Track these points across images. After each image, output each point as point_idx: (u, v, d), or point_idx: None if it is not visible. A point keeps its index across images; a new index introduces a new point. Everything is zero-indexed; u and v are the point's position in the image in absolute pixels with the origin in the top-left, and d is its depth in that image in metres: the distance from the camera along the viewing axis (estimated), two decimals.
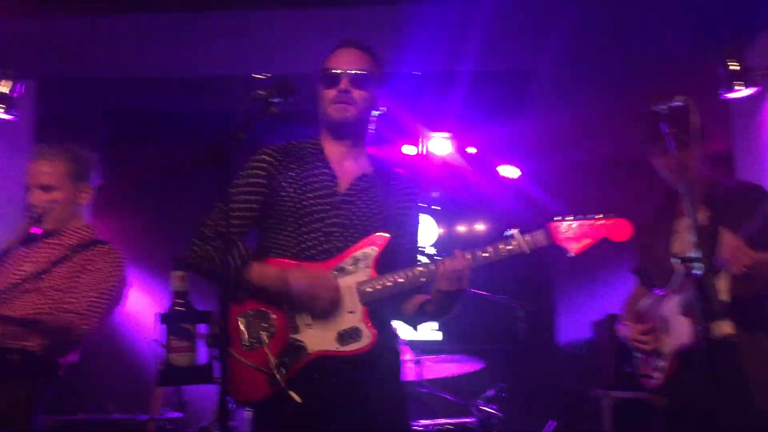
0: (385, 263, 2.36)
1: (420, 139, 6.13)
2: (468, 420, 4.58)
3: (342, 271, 2.34)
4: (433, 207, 6.64)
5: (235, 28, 4.17)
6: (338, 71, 2.44)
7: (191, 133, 5.52)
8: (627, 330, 3.23)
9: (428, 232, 6.63)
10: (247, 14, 4.02)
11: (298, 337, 2.29)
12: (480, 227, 6.68)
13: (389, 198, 2.48)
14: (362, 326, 2.28)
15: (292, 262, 2.36)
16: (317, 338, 2.28)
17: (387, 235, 2.37)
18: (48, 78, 4.97)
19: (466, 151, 6.17)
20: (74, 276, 2.90)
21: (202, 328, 2.14)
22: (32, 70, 4.73)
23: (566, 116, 5.21)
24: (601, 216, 2.36)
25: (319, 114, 2.50)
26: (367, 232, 2.39)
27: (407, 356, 4.76)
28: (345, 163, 2.49)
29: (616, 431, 5.16)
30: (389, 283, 2.31)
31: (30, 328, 2.78)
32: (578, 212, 2.37)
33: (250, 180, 2.45)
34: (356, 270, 2.34)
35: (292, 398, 2.19)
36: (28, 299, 2.85)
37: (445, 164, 6.32)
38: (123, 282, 3.05)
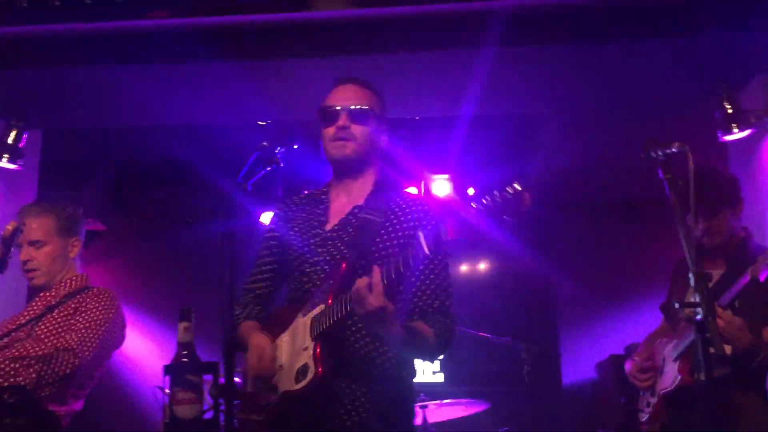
0: (344, 292, 2.18)
1: (421, 182, 6.17)
2: None
3: (309, 308, 2.30)
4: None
5: (238, 75, 4.23)
6: (337, 107, 2.44)
7: (196, 179, 5.56)
8: (629, 365, 3.44)
9: None
10: (249, 63, 4.08)
11: (273, 380, 2.31)
12: (482, 267, 6.68)
13: (381, 224, 2.38)
14: (310, 362, 2.19)
15: (288, 306, 2.45)
16: (283, 379, 2.28)
17: (345, 264, 2.27)
18: (52, 128, 5.05)
19: (466, 192, 6.20)
20: (67, 319, 2.95)
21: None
22: (36, 120, 4.79)
23: (567, 158, 5.26)
24: (508, 189, 2.10)
25: (324, 154, 2.51)
26: (338, 263, 2.32)
27: None
28: (342, 202, 2.49)
29: None
30: (332, 314, 2.18)
31: (20, 362, 2.78)
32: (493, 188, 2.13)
33: (264, 242, 2.58)
34: (317, 304, 2.27)
35: None
36: (23, 345, 2.87)
37: (445, 205, 6.34)
38: (118, 322, 3.07)
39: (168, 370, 2.14)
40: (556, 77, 4.13)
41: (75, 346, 2.86)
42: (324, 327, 2.19)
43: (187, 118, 4.89)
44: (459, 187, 6.13)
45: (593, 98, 4.43)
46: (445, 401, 4.69)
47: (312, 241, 2.42)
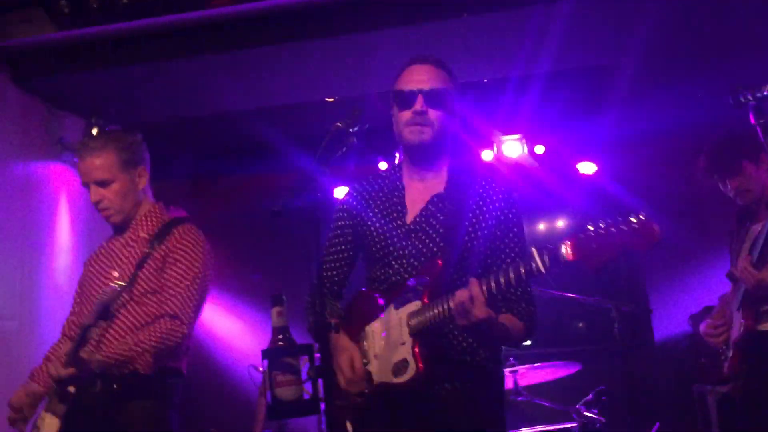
0: (446, 289, 2.20)
1: (494, 144, 6.09)
2: (569, 425, 4.51)
3: (401, 302, 2.30)
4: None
5: (306, 56, 4.25)
6: (413, 91, 2.35)
7: (274, 160, 5.65)
8: (703, 326, 3.57)
9: None
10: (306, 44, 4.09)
11: (368, 367, 2.32)
12: (560, 223, 6.55)
13: (465, 213, 2.34)
14: (410, 358, 2.20)
15: (373, 294, 2.41)
16: (379, 369, 2.28)
17: (440, 261, 2.27)
18: (131, 123, 5.19)
19: (542, 152, 6.09)
20: (159, 272, 2.87)
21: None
22: (115, 116, 4.94)
23: (645, 110, 5.08)
24: (630, 220, 1.94)
25: (396, 136, 2.46)
26: (431, 257, 2.32)
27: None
28: (419, 188, 2.44)
29: (722, 427, 4.98)
30: (430, 313, 2.20)
31: (134, 348, 2.74)
32: (615, 215, 1.99)
33: (336, 231, 2.55)
34: (413, 299, 2.27)
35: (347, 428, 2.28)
36: (126, 315, 2.84)
37: (518, 166, 6.26)
38: (208, 261, 2.97)
39: (265, 354, 2.18)
40: (635, 23, 3.97)
41: (178, 312, 2.81)
42: (422, 325, 2.20)
43: (258, 102, 4.95)
44: (531, 147, 6.02)
45: (674, 45, 4.25)
46: (536, 364, 4.65)
47: (394, 232, 2.39)
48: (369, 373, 2.31)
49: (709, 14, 4.02)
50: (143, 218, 3.00)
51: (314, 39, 4.00)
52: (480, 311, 2.05)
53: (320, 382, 2.10)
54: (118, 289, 2.76)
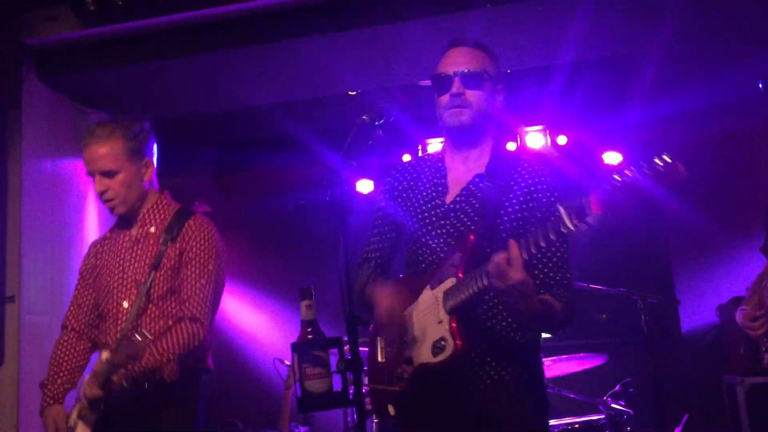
0: (479, 263, 2.16)
1: (517, 136, 6.06)
2: (597, 417, 4.49)
3: (437, 281, 2.27)
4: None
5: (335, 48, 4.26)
6: (450, 73, 2.36)
7: (297, 153, 5.67)
8: (739, 316, 3.42)
9: None
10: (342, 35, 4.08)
11: (406, 351, 2.30)
12: None
13: (506, 193, 2.33)
14: (447, 336, 2.17)
15: (412, 277, 2.40)
16: (419, 350, 2.25)
17: (473, 236, 2.24)
18: (156, 118, 5.23)
19: (564, 142, 6.05)
20: (176, 271, 2.82)
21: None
22: (141, 112, 4.98)
23: (671, 99, 5.03)
24: (655, 162, 1.89)
25: (438, 120, 2.45)
26: (464, 235, 2.29)
27: None
28: (462, 168, 2.43)
29: (752, 418, 4.92)
30: (466, 288, 2.16)
31: (160, 356, 2.71)
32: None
33: (379, 212, 2.56)
34: (447, 277, 2.25)
35: (388, 412, 2.29)
36: (149, 321, 2.80)
37: (540, 157, 6.23)
38: (221, 254, 2.91)
39: (295, 347, 2.19)
40: (660, 10, 3.92)
41: (197, 314, 2.77)
42: (459, 301, 2.17)
43: (281, 96, 4.97)
44: (554, 139, 5.99)
45: (700, 32, 4.20)
46: (562, 357, 4.63)
47: (433, 212, 2.39)
48: (409, 357, 2.27)
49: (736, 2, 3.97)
50: (150, 211, 2.92)
51: (337, 32, 4.00)
52: (516, 273, 2.01)
53: (349, 375, 2.11)
54: (146, 341, 2.64)
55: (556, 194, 2.33)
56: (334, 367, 2.11)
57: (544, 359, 4.49)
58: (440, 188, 2.43)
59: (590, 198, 1.95)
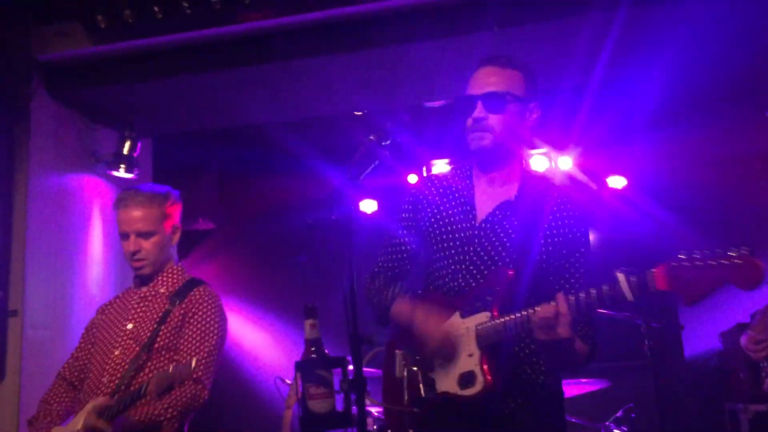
0: (515, 302, 2.17)
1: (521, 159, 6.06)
2: None
3: (468, 311, 2.24)
4: None
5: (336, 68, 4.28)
6: (472, 96, 2.30)
7: (301, 172, 5.69)
8: (744, 339, 3.52)
9: None
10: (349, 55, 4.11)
11: (431, 375, 2.26)
12: (590, 236, 6.46)
13: (537, 224, 2.27)
14: (477, 370, 2.15)
15: (440, 297, 2.34)
16: (444, 378, 2.23)
17: (511, 272, 2.20)
18: (161, 135, 5.27)
19: (567, 166, 6.05)
20: (177, 331, 2.91)
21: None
22: (146, 129, 5.01)
23: (675, 124, 5.05)
24: (731, 254, 1.81)
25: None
26: (500, 266, 2.25)
27: None
28: (488, 192, 2.37)
29: None
30: (502, 327, 2.13)
31: (163, 413, 2.73)
32: (702, 244, 1.88)
33: (400, 224, 2.51)
34: (480, 310, 2.22)
35: None
36: (147, 373, 2.84)
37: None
38: (225, 323, 3.02)
39: (299, 366, 2.18)
40: (666, 41, 3.95)
41: (201, 376, 2.82)
42: (494, 341, 2.15)
43: (287, 114, 4.99)
44: (558, 161, 5.98)
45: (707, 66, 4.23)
46: (565, 380, 4.60)
47: (463, 233, 2.33)
48: (432, 380, 2.25)
49: (744, 36, 3.99)
50: (165, 275, 3.05)
51: (344, 52, 4.03)
52: (564, 329, 1.99)
53: (352, 396, 2.10)
54: (191, 367, 2.67)
55: (582, 229, 2.30)
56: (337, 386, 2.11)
57: None
58: (468, 207, 2.37)
59: (655, 272, 1.89)
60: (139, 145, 4.81)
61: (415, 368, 2.26)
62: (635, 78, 4.61)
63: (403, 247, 2.50)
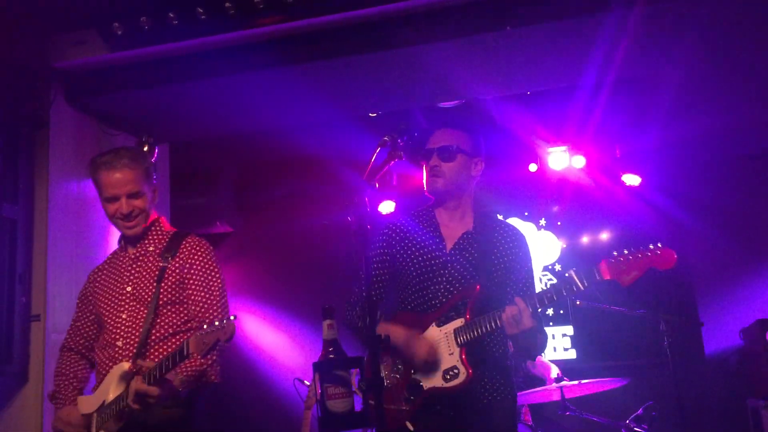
0: (482, 308, 2.67)
1: (539, 156, 6.06)
2: None
3: (445, 319, 2.71)
4: (558, 223, 6.56)
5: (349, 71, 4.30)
6: (430, 149, 2.88)
7: (318, 175, 5.71)
8: None
9: (549, 249, 6.51)
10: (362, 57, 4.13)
11: (416, 376, 2.68)
12: (604, 236, 6.45)
13: (492, 249, 2.82)
14: (459, 365, 2.64)
15: (413, 315, 2.79)
16: (427, 377, 2.67)
17: (478, 286, 2.71)
18: (178, 140, 5.31)
19: (583, 163, 6.04)
20: (179, 285, 2.95)
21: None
22: (164, 134, 5.05)
23: (691, 121, 5.02)
24: (650, 247, 2.53)
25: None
26: (471, 282, 2.74)
27: (554, 373, 4.69)
28: (450, 225, 2.89)
29: None
30: (477, 328, 2.64)
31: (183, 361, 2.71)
32: (632, 244, 2.55)
33: (377, 258, 2.89)
34: (455, 317, 2.70)
35: (408, 428, 2.61)
36: (158, 329, 2.90)
37: (563, 178, 6.22)
38: (218, 261, 3.08)
39: (317, 367, 2.21)
40: (683, 33, 3.93)
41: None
42: (470, 337, 2.66)
43: (303, 117, 5.01)
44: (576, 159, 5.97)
45: (721, 60, 4.19)
46: (584, 381, 4.60)
47: (433, 261, 2.81)
48: (417, 382, 2.66)
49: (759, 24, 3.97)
50: (153, 234, 3.08)
51: (360, 54, 4.05)
52: (528, 320, 2.57)
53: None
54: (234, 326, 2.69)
55: (524, 248, 2.88)
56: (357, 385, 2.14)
57: (566, 381, 4.51)
58: (437, 240, 2.86)
59: (600, 266, 2.54)
60: (157, 150, 4.85)
61: (394, 374, 2.71)
62: (651, 74, 4.59)
63: (380, 278, 2.89)
